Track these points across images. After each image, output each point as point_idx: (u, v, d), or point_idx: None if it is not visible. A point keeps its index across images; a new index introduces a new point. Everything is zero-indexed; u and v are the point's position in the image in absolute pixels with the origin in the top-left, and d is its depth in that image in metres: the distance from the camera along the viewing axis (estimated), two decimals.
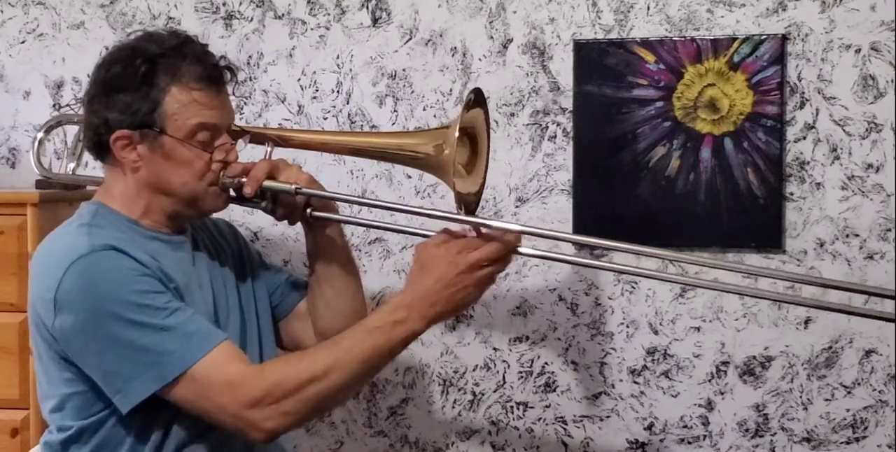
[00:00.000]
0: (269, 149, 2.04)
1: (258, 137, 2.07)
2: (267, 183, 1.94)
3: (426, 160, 2.01)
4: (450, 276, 1.82)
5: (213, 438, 1.92)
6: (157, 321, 1.79)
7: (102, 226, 1.89)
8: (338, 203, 2.09)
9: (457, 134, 1.92)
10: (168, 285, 1.85)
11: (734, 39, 2.59)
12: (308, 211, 1.99)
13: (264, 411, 1.78)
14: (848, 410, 2.61)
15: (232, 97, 1.97)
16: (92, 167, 2.54)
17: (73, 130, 2.70)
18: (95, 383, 1.84)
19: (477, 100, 2.00)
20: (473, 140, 2.02)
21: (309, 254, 2.09)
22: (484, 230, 1.87)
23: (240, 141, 1.99)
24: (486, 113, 2.02)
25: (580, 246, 2.64)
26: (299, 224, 2.06)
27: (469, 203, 1.99)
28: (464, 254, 1.83)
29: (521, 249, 1.88)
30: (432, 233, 1.92)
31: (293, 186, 1.94)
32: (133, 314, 1.79)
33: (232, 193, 1.97)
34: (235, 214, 2.68)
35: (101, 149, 1.94)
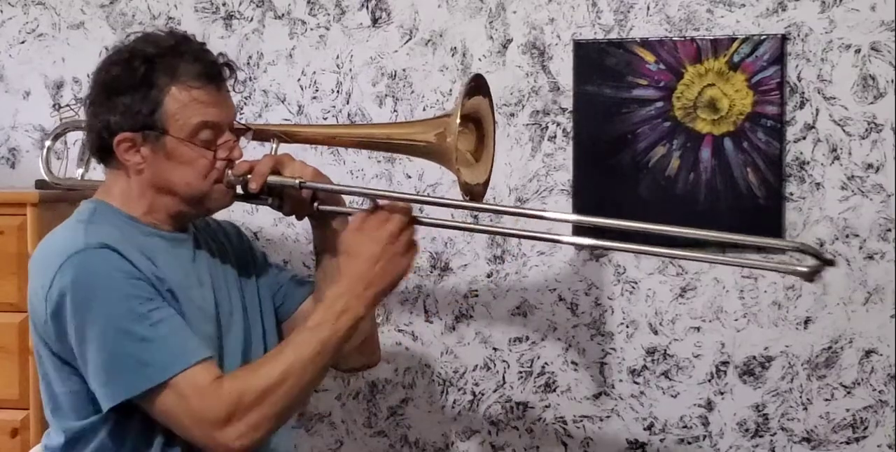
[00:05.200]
0: (274, 145, 2.04)
1: (261, 134, 2.07)
2: (272, 178, 1.94)
3: (429, 148, 2.01)
4: (377, 252, 1.84)
5: None
6: (139, 329, 1.78)
7: (100, 222, 1.89)
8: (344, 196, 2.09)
9: (458, 121, 1.91)
10: (160, 289, 1.84)
11: (734, 39, 2.60)
12: (315, 205, 2.00)
13: (235, 428, 1.77)
14: (848, 410, 2.61)
15: (232, 93, 1.97)
16: (93, 168, 2.54)
17: (74, 133, 2.69)
18: None
19: (478, 86, 2.00)
20: (479, 127, 2.01)
21: (316, 249, 2.09)
22: (381, 202, 1.90)
23: (243, 138, 1.99)
24: (490, 99, 2.02)
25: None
26: (303, 221, 2.06)
27: (476, 193, 1.99)
28: (381, 228, 1.85)
29: (420, 218, 1.90)
30: (440, 223, 1.93)
31: (297, 180, 1.94)
32: (118, 319, 1.78)
33: (238, 190, 1.97)
34: (236, 214, 2.69)
35: (104, 152, 1.94)
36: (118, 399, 1.79)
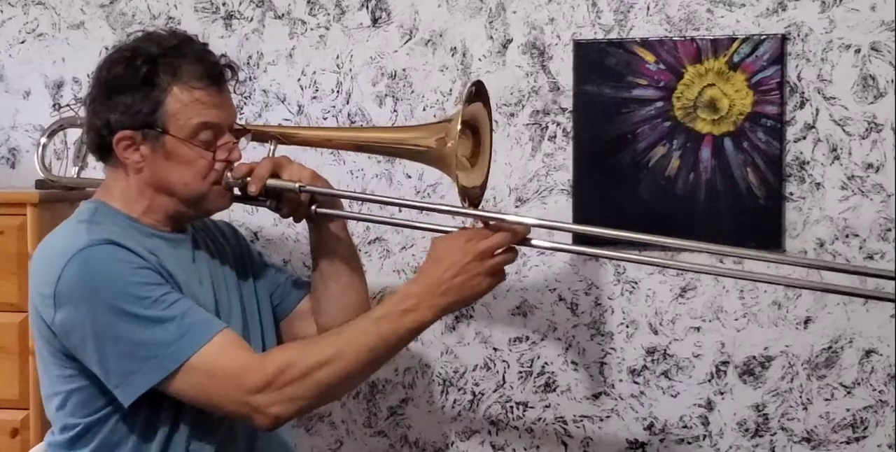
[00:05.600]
0: (271, 146, 2.05)
1: (260, 135, 2.07)
2: (271, 181, 1.95)
3: (429, 153, 2.01)
4: (460, 264, 1.82)
5: (219, 433, 1.92)
6: (155, 313, 1.79)
7: (101, 222, 1.90)
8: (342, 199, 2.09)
9: (459, 126, 1.92)
10: (167, 278, 1.86)
11: (734, 39, 2.60)
12: (312, 207, 2.00)
13: (269, 396, 1.78)
14: (848, 410, 2.61)
15: (233, 95, 1.97)
16: (93, 167, 2.55)
17: (73, 132, 2.70)
18: (97, 378, 1.84)
19: (478, 92, 2.01)
20: (476, 132, 2.02)
21: (313, 251, 2.09)
22: (491, 222, 1.88)
23: (242, 139, 1.99)
24: (489, 105, 2.02)
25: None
26: (303, 222, 2.07)
27: (473, 196, 1.99)
28: (474, 243, 1.84)
29: (533, 241, 1.89)
30: (436, 227, 1.93)
31: (297, 184, 1.95)
32: (131, 306, 1.79)
33: (236, 192, 1.97)
34: (236, 214, 2.69)
35: (103, 151, 1.95)
36: (150, 383, 1.79)
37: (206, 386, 1.80)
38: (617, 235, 1.99)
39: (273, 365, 1.79)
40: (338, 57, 2.82)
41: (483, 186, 2.03)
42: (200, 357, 1.79)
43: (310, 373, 1.78)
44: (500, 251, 1.86)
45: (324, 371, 1.79)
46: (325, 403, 1.89)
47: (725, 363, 2.66)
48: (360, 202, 2.64)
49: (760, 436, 2.65)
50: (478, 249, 1.83)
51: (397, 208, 2.64)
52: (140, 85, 1.88)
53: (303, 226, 2.15)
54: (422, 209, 2.02)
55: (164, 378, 1.79)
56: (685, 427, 2.69)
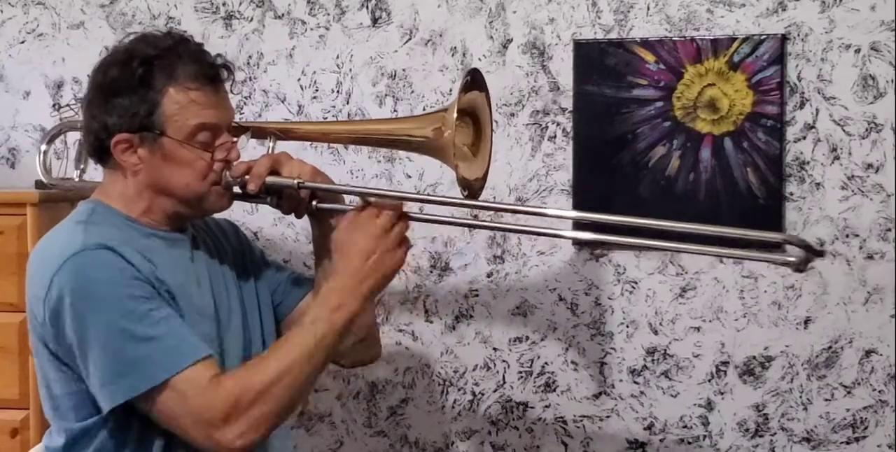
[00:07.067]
0: (271, 143, 2.04)
1: (258, 132, 2.07)
2: (270, 178, 1.94)
3: (427, 143, 2.02)
4: (368, 248, 1.86)
5: None
6: (139, 329, 1.78)
7: (98, 223, 1.89)
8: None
9: (455, 115, 1.92)
10: (159, 289, 1.84)
11: (734, 39, 2.60)
12: (313, 203, 2.00)
13: (232, 428, 1.77)
14: (848, 410, 2.61)
15: (233, 96, 1.97)
16: (94, 168, 2.54)
17: (74, 133, 2.70)
18: None
19: (474, 80, 2.00)
20: (476, 121, 2.02)
21: (315, 248, 2.08)
22: (371, 199, 1.91)
23: (241, 137, 1.99)
24: (487, 93, 2.02)
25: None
26: (303, 221, 2.06)
27: (475, 188, 1.99)
28: (372, 223, 1.87)
29: (411, 214, 1.93)
30: (437, 219, 1.94)
31: (296, 181, 1.94)
32: (118, 318, 1.78)
33: (237, 190, 1.97)
34: (236, 214, 2.68)
35: (101, 153, 1.94)
36: (119, 400, 1.78)
37: (174, 412, 1.79)
38: (614, 220, 1.99)
39: (229, 397, 1.77)
40: (338, 57, 2.82)
41: (484, 177, 2.03)
42: (175, 381, 1.77)
43: (264, 394, 1.78)
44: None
45: (277, 387, 1.78)
46: (286, 419, 1.89)
47: (725, 363, 2.66)
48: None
49: (760, 436, 2.65)
50: (379, 228, 1.86)
51: None
52: (136, 87, 1.87)
53: (302, 226, 2.15)
54: (420, 201, 2.02)
55: (136, 396, 1.78)
56: (685, 427, 2.69)
